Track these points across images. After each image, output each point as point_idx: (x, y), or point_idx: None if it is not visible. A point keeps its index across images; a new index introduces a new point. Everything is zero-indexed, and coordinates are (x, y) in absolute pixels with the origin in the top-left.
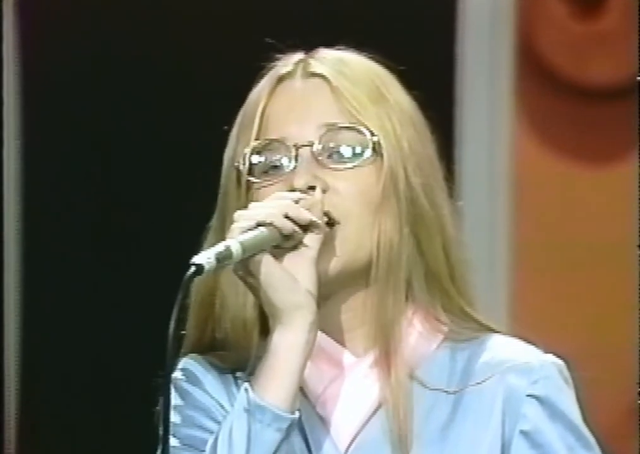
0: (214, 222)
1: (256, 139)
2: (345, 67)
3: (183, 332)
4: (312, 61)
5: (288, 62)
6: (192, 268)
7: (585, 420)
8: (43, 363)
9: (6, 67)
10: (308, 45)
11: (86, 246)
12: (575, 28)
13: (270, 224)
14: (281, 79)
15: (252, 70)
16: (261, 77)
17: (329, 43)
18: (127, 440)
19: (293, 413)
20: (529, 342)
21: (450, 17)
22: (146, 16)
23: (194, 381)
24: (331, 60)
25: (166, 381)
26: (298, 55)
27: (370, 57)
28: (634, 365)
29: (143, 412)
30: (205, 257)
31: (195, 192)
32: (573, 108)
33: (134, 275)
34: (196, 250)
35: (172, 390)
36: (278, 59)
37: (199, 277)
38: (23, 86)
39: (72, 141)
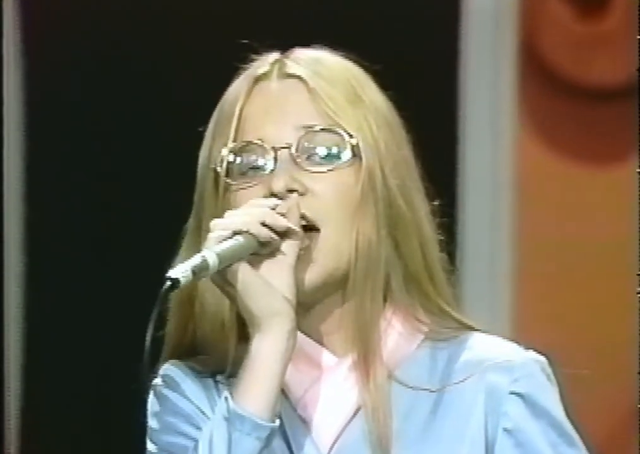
0: (190, 223)
1: (233, 140)
2: (321, 68)
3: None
4: (288, 62)
5: (263, 63)
6: (168, 283)
7: (568, 416)
8: (44, 364)
9: (6, 67)
10: (309, 45)
11: (87, 246)
12: (578, 29)
13: (246, 232)
14: (257, 79)
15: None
16: (236, 77)
17: (330, 43)
18: (128, 441)
19: (273, 421)
20: (513, 340)
21: (452, 18)
22: (149, 14)
23: (173, 387)
24: (306, 60)
25: (142, 391)
26: (274, 56)
27: (345, 57)
28: (636, 365)
29: (144, 412)
30: (181, 271)
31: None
32: (575, 108)
33: (135, 275)
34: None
35: (152, 396)
36: (253, 59)
37: (175, 291)
38: (25, 85)
39: (74, 141)
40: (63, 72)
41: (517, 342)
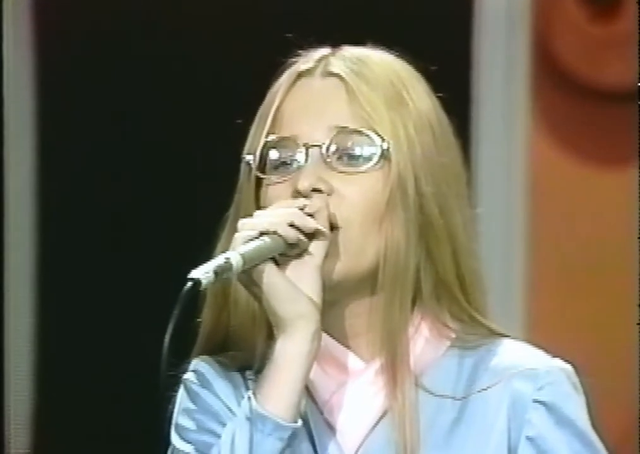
0: (230, 213)
1: (270, 135)
2: (365, 68)
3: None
4: (332, 60)
5: (309, 59)
6: (189, 284)
7: (594, 426)
8: (56, 367)
9: (6, 66)
10: (322, 44)
11: (99, 246)
12: (591, 31)
13: (274, 233)
14: (300, 75)
15: (271, 66)
16: (282, 72)
17: (344, 43)
18: (139, 442)
19: (295, 422)
20: (540, 347)
21: (466, 19)
22: (160, 9)
23: (204, 383)
24: (352, 59)
25: (160, 395)
26: (322, 51)
27: (398, 56)
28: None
29: (155, 413)
30: (203, 271)
31: (208, 191)
32: (588, 109)
33: (149, 276)
34: (210, 249)
35: (182, 391)
36: (300, 55)
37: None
38: (35, 83)
39: (80, 140)
40: (75, 69)
41: (540, 347)
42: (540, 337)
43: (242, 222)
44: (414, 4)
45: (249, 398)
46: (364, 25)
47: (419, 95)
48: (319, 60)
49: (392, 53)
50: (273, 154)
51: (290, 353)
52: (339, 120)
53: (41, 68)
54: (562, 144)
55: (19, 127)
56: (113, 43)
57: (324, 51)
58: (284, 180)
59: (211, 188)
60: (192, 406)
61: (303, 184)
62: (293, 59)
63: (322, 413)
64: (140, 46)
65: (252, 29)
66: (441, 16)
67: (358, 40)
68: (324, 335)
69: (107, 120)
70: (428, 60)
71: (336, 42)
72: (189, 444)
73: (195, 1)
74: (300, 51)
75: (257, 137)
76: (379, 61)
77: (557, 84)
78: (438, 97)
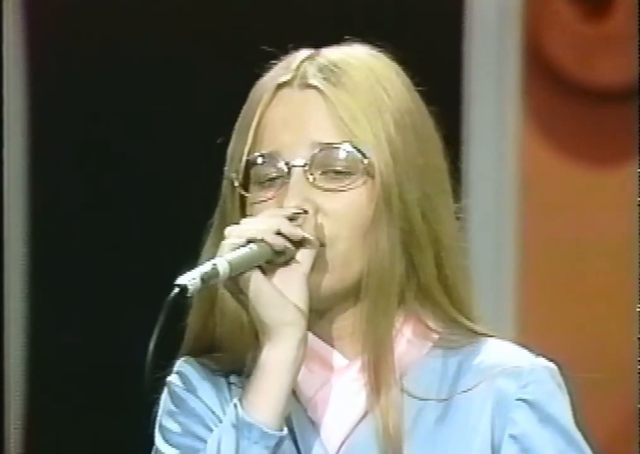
0: (215, 220)
1: (252, 150)
2: (343, 76)
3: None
4: (310, 69)
5: (287, 68)
6: (175, 290)
7: (578, 424)
8: (47, 367)
9: (6, 66)
10: (313, 42)
11: (92, 246)
12: (583, 30)
13: (261, 241)
14: (278, 87)
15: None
16: (259, 80)
17: (334, 41)
18: (130, 443)
19: (281, 429)
20: (531, 347)
21: (457, 18)
22: (154, 11)
23: (187, 386)
24: (329, 67)
25: (145, 398)
26: (299, 57)
27: (379, 49)
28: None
29: (144, 415)
30: (189, 278)
31: (201, 193)
32: (580, 109)
33: (141, 276)
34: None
35: (166, 394)
36: (277, 61)
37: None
38: (28, 84)
39: (77, 142)
40: (68, 71)
41: (525, 346)
42: (531, 337)
43: (229, 230)
44: (404, 4)
45: (235, 405)
46: (354, 24)
47: (398, 92)
48: (297, 69)
49: (369, 47)
50: (256, 172)
51: (276, 360)
52: (320, 135)
53: (34, 68)
54: (554, 143)
55: (14, 126)
56: (108, 44)
57: (301, 56)
58: (268, 199)
59: (204, 190)
60: (175, 408)
61: (289, 205)
62: (271, 65)
63: (305, 410)
64: (134, 49)
65: (248, 31)
66: (432, 15)
67: (347, 39)
68: (309, 334)
69: (101, 120)
70: (419, 60)
71: (323, 41)
72: (172, 447)
73: (193, 4)
74: (273, 61)
75: (238, 153)
76: (356, 64)
77: (549, 83)
78: (428, 95)
